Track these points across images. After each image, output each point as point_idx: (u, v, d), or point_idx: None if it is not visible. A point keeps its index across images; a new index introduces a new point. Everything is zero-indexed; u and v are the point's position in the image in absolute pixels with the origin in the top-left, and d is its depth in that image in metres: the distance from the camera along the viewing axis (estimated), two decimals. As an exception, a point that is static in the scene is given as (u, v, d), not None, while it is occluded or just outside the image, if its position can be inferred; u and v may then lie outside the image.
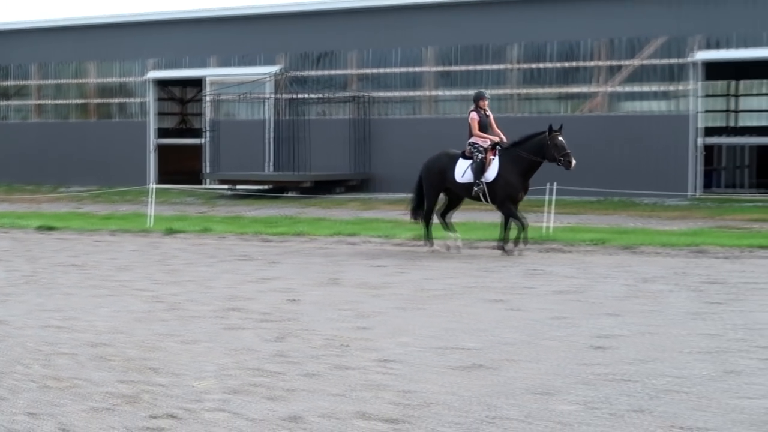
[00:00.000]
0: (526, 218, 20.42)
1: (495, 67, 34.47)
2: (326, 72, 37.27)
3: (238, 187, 36.55)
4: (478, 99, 20.97)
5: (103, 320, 12.59)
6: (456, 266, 17.69)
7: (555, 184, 25.73)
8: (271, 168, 37.47)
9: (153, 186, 31.34)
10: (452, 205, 21.46)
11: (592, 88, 33.26)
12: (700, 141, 31.93)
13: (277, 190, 35.28)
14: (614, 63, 32.86)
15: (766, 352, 10.62)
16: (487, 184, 19.84)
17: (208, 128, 38.99)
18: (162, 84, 41.32)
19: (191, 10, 39.42)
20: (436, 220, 21.28)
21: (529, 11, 33.68)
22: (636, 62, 32.49)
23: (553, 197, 24.69)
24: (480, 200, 20.55)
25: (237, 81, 38.45)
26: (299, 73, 37.38)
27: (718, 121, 41.31)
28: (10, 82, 43.27)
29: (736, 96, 43.62)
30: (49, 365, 10.10)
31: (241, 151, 37.89)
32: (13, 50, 42.92)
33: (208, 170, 38.42)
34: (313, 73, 37.38)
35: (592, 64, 33.17)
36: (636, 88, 32.96)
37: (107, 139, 40.87)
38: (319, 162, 36.07)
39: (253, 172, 37.16)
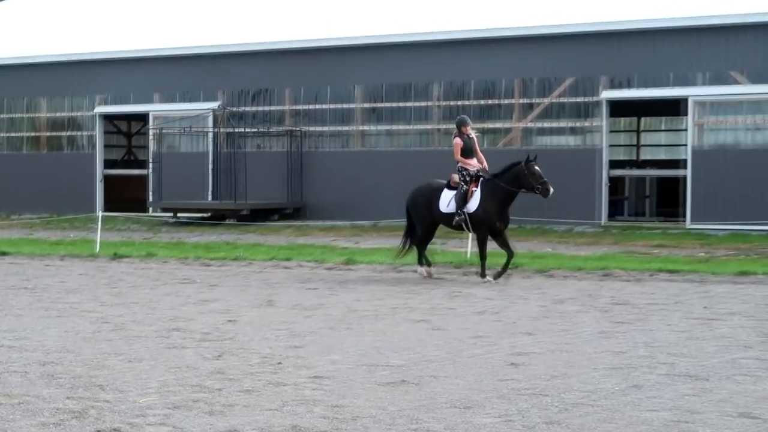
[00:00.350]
0: (513, 249, 20.05)
1: (419, 104, 34.61)
2: (262, 108, 37.22)
3: (180, 214, 36.35)
4: (460, 125, 20.40)
5: (52, 340, 12.47)
6: (383, 289, 17.70)
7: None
8: (211, 197, 37.37)
9: (100, 214, 31.18)
10: (430, 235, 20.91)
11: (508, 124, 33.47)
12: (606, 173, 32.24)
13: (217, 218, 35.28)
14: (529, 101, 33.12)
15: (667, 368, 10.73)
16: (468, 214, 19.35)
17: (152, 160, 38.78)
18: (109, 118, 41.14)
19: (136, 50, 39.19)
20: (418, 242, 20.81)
21: (451, 52, 33.85)
22: (548, 100, 32.74)
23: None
24: (462, 230, 20.30)
25: (179, 116, 38.40)
26: (237, 109, 37.30)
27: (623, 155, 41.82)
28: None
29: (639, 132, 44.15)
30: (0, 383, 9.99)
31: (183, 181, 37.77)
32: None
33: (152, 199, 38.25)
34: (250, 108, 37.33)
35: (509, 101, 33.39)
36: (548, 124, 33.22)
37: (57, 170, 40.57)
38: (256, 191, 36.01)
39: (195, 201, 37.07)
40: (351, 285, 18.34)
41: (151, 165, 38.88)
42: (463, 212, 19.36)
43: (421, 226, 20.33)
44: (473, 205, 19.30)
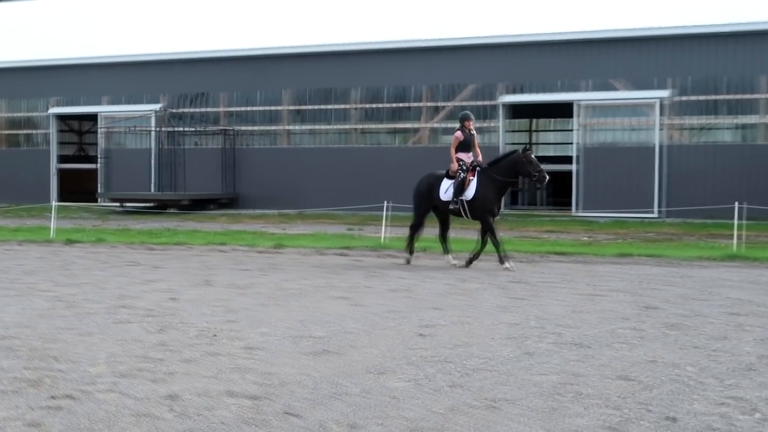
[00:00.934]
0: (487, 241, 18.68)
1: (340, 106, 34.59)
2: (200, 109, 37.00)
3: (126, 204, 36.06)
4: (463, 120, 19.13)
5: (10, 316, 12.29)
6: (308, 270, 17.66)
7: (390, 202, 25.85)
8: (155, 189, 37.07)
9: (54, 203, 30.74)
10: (444, 225, 19.43)
11: (417, 125, 33.55)
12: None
13: (160, 207, 34.95)
14: (435, 104, 33.23)
15: (555, 337, 10.82)
16: (466, 201, 18.32)
17: (101, 155, 38.50)
18: (62, 118, 40.67)
19: (87, 57, 38.80)
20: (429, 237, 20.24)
21: (368, 61, 33.88)
22: (452, 104, 32.84)
23: (385, 213, 24.79)
24: (461, 215, 19.03)
25: (126, 116, 38.11)
26: (177, 111, 37.07)
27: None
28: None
29: (532, 131, 44.46)
30: (-36, 355, 9.83)
31: (129, 175, 37.55)
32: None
33: (101, 190, 37.92)
34: (189, 110, 37.10)
35: (418, 105, 33.47)
36: (452, 125, 33.18)
37: (16, 164, 40.14)
38: (195, 184, 35.91)
39: (140, 192, 36.77)
40: (279, 266, 18.28)
41: (100, 160, 38.58)
42: (460, 200, 18.48)
43: (419, 211, 19.42)
44: (470, 193, 18.34)
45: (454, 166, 18.65)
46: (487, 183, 18.22)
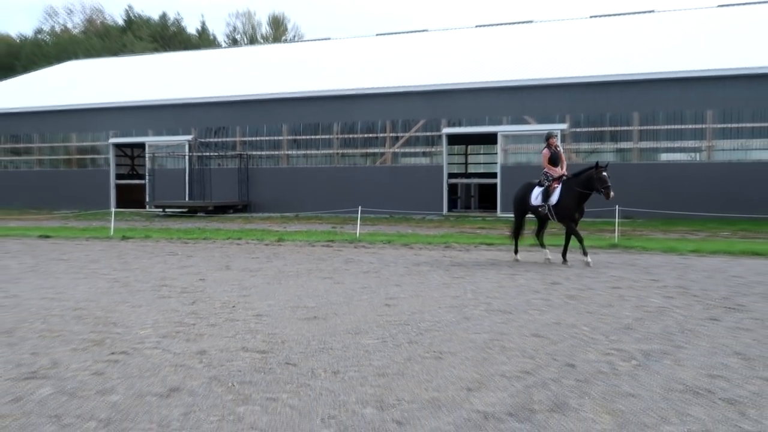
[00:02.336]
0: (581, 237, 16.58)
1: (324, 136, 34.55)
2: (221, 139, 36.84)
3: (167, 209, 35.88)
4: (548, 138, 17.36)
5: (80, 293, 12.20)
6: (302, 258, 17.60)
7: (360, 207, 25.85)
8: (188, 198, 36.91)
9: (113, 210, 30.65)
10: (540, 226, 17.48)
11: (382, 150, 33.54)
12: (446, 181, 32.52)
13: (192, 212, 34.84)
14: (395, 134, 33.24)
15: (485, 306, 10.81)
16: (552, 206, 16.54)
17: (147, 173, 38.28)
18: (118, 146, 40.40)
19: (137, 101, 38.69)
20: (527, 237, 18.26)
21: (345, 103, 33.87)
22: (408, 134, 32.89)
23: (359, 215, 24.79)
24: (548, 219, 17.12)
25: (165, 144, 37.92)
26: (204, 140, 36.94)
27: (457, 169, 42.11)
28: (21, 145, 41.84)
29: (467, 154, 44.56)
30: (45, 322, 9.76)
31: (168, 188, 37.37)
32: (21, 125, 41.56)
33: (148, 199, 37.70)
34: (213, 139, 36.96)
35: (383, 135, 33.48)
36: (409, 149, 33.34)
37: (84, 181, 39.89)
38: (218, 194, 35.81)
39: (177, 200, 36.59)
40: (281, 255, 18.22)
41: (147, 177, 38.37)
42: (546, 204, 16.76)
43: (517, 215, 17.59)
44: (554, 198, 16.53)
45: (556, 171, 16.90)
46: (568, 191, 16.38)
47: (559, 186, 16.57)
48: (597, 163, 16.22)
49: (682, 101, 28.33)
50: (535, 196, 16.96)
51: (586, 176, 16.12)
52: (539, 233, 17.36)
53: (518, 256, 17.15)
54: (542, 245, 17.23)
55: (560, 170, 16.93)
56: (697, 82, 28.15)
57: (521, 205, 17.44)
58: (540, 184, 17.09)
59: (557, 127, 30.02)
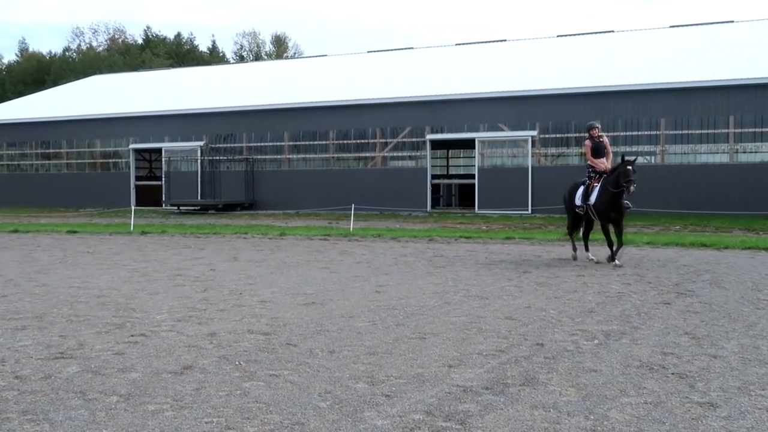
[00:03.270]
0: (616, 245, 14.42)
1: (322, 142, 34.48)
2: (230, 145, 36.73)
3: (181, 207, 35.81)
4: (588, 129, 15.27)
5: (104, 282, 12.16)
6: (302, 250, 17.58)
7: (353, 204, 25.82)
8: (200, 197, 36.81)
9: (133, 208, 30.55)
10: (587, 226, 15.50)
11: (373, 154, 33.51)
12: (430, 182, 32.54)
13: (203, 209, 34.80)
14: (385, 140, 33.22)
15: (465, 292, 10.82)
16: (591, 205, 14.57)
17: (164, 176, 38.15)
18: (138, 151, 40.26)
19: (154, 110, 38.59)
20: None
21: (340, 112, 33.82)
22: (396, 140, 32.88)
23: (352, 212, 24.77)
24: (592, 218, 15.09)
25: (180, 149, 37.83)
26: (215, 145, 36.85)
27: (439, 171, 42.13)
28: (50, 150, 41.69)
29: (448, 158, 44.59)
30: (72, 308, 9.72)
31: (183, 188, 37.27)
32: (51, 132, 41.42)
33: (164, 198, 37.56)
34: (223, 145, 36.85)
35: (373, 141, 33.46)
36: (397, 153, 33.34)
37: (107, 182, 39.77)
38: (227, 193, 35.75)
39: (190, 199, 36.49)
40: (283, 248, 18.20)
41: (163, 178, 38.26)
42: (584, 204, 14.81)
43: (569, 216, 15.78)
44: (593, 198, 14.61)
45: (600, 164, 14.80)
46: (604, 191, 14.36)
47: (598, 185, 14.60)
48: (623, 157, 14.23)
49: (639, 110, 28.41)
50: (578, 196, 15.09)
51: (617, 174, 14.16)
52: (586, 233, 15.48)
53: (576, 253, 15.20)
54: (586, 247, 15.33)
55: (605, 164, 14.86)
56: (652, 94, 28.22)
57: (570, 205, 15.51)
58: (583, 183, 15.17)
59: (528, 134, 30.06)
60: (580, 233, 15.53)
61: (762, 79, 26.52)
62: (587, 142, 15.11)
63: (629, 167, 13.84)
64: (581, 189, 15.05)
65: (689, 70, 28.89)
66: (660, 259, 14.98)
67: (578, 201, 15.01)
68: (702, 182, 27.35)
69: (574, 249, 15.34)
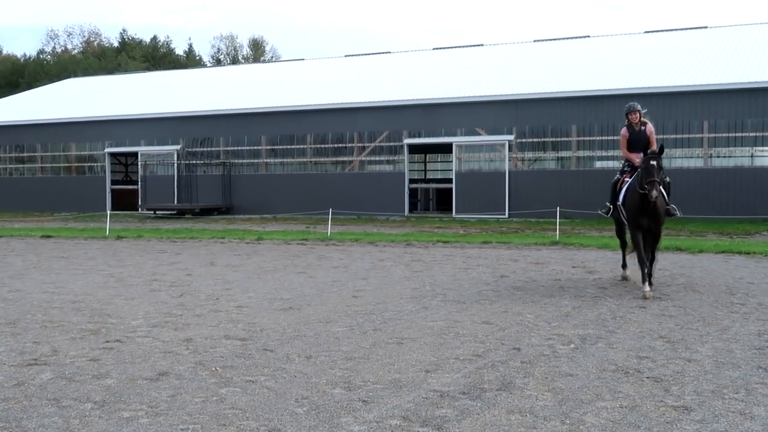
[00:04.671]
0: (648, 262, 11.11)
1: (299, 146, 34.36)
2: (207, 149, 36.49)
3: (157, 212, 35.54)
4: (627, 113, 11.74)
5: (78, 287, 12.06)
6: (279, 255, 17.53)
7: (331, 209, 25.78)
8: (176, 201, 36.56)
9: (108, 212, 30.30)
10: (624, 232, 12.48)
11: (351, 158, 33.44)
12: (407, 186, 32.57)
13: (180, 214, 34.56)
14: (362, 144, 33.20)
15: (442, 296, 10.81)
16: (620, 205, 11.63)
17: (140, 179, 37.87)
18: (113, 155, 39.88)
19: (130, 114, 38.25)
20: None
21: (318, 116, 33.73)
22: (374, 144, 32.86)
23: (330, 216, 24.73)
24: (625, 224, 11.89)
25: (156, 153, 37.56)
26: (192, 149, 36.63)
27: (417, 175, 42.17)
28: (25, 154, 41.26)
29: (426, 162, 44.68)
30: (46, 314, 9.63)
31: (159, 192, 37.00)
32: (25, 136, 40.95)
33: (140, 203, 37.25)
34: (199, 149, 36.62)
35: (351, 145, 33.42)
36: (374, 158, 33.31)
37: (83, 186, 39.35)
38: (203, 198, 35.54)
39: (166, 203, 36.23)
40: (260, 252, 18.13)
41: (139, 182, 37.97)
42: (611, 204, 12.19)
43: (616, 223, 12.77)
44: (621, 196, 11.62)
45: (636, 159, 11.37)
46: (633, 189, 11.11)
47: (630, 180, 11.46)
48: (645, 149, 11.10)
49: (614, 115, 28.58)
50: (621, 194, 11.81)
51: (641, 169, 10.89)
52: (625, 243, 12.51)
53: (627, 272, 12.41)
54: (623, 262, 12.58)
55: (633, 157, 11.61)
56: (628, 99, 28.30)
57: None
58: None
59: (505, 138, 30.16)
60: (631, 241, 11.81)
61: (735, 85, 26.85)
62: (623, 130, 11.84)
63: (652, 162, 10.55)
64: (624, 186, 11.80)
65: (664, 76, 29.16)
66: (635, 263, 15.10)
67: (613, 200, 12.14)
68: (677, 186, 27.44)
69: (624, 265, 12.53)
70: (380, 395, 5.96)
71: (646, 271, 10.96)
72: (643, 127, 11.70)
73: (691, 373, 6.57)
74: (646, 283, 10.81)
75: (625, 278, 12.37)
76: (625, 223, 11.72)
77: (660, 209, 10.99)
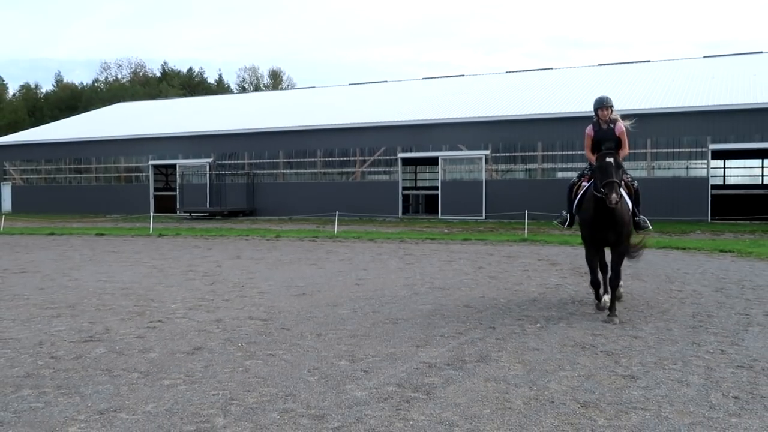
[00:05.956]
0: (609, 285, 8.21)
1: (311, 159, 34.30)
2: (234, 161, 36.41)
3: (193, 214, 35.44)
4: (596, 109, 8.39)
5: (127, 277, 12.03)
6: (295, 250, 17.49)
7: (337, 211, 25.72)
8: (209, 205, 36.47)
9: (152, 214, 30.17)
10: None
11: (354, 169, 33.39)
12: (401, 193, 32.49)
13: (211, 215, 34.46)
14: (363, 158, 33.15)
15: (429, 284, 10.80)
16: (576, 215, 8.51)
17: (178, 187, 37.75)
18: (156, 167, 39.73)
19: (169, 132, 38.16)
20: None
21: (326, 134, 33.70)
22: (372, 158, 32.80)
23: (336, 218, 24.68)
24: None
25: (192, 165, 37.44)
26: (221, 162, 36.54)
27: (409, 184, 42.12)
28: (82, 166, 41.11)
29: (416, 173, 44.61)
30: (99, 299, 9.60)
31: (194, 197, 36.88)
32: (82, 150, 40.78)
33: (178, 206, 37.16)
34: (228, 161, 36.52)
35: (354, 158, 33.38)
36: (373, 169, 33.23)
37: (130, 193, 39.18)
38: (231, 202, 35.44)
39: (200, 207, 36.13)
40: (278, 248, 18.11)
41: (177, 189, 37.86)
42: (562, 214, 8.81)
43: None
44: (576, 203, 8.47)
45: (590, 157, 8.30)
46: (590, 194, 7.93)
47: (588, 184, 8.16)
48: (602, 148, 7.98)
49: (573, 133, 28.62)
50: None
51: (594, 172, 7.80)
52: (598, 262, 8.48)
53: (602, 302, 8.40)
54: (596, 286, 8.41)
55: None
56: (585, 120, 28.44)
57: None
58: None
59: (482, 153, 30.15)
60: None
61: (675, 108, 26.91)
62: (588, 129, 8.50)
63: (608, 159, 7.54)
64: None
65: (615, 101, 29.09)
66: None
67: (571, 208, 8.67)
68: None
69: (597, 296, 8.45)
70: (378, 366, 5.95)
71: (606, 298, 8.19)
72: (612, 125, 8.30)
73: (637, 348, 6.57)
74: (609, 310, 7.86)
75: (602, 308, 8.28)
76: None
77: (622, 217, 7.75)
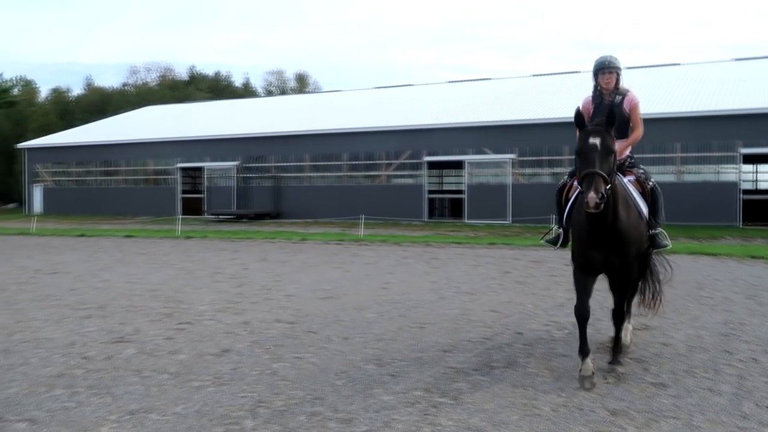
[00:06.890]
0: (616, 324, 6.05)
1: (337, 163, 34.47)
2: (260, 164, 36.73)
3: (219, 216, 35.78)
4: (596, 73, 6.10)
5: (155, 279, 12.17)
6: (320, 253, 17.55)
7: (363, 214, 25.77)
8: (235, 207, 36.80)
9: (180, 216, 30.51)
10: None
11: (379, 172, 33.47)
12: (426, 196, 32.48)
13: (238, 218, 34.75)
14: (389, 162, 33.21)
15: (456, 289, 10.78)
16: (565, 227, 6.15)
17: (205, 190, 38.16)
18: (184, 170, 40.22)
19: (197, 135, 38.66)
20: None
21: (351, 138, 33.83)
22: (398, 161, 32.85)
23: (362, 221, 24.73)
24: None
25: (219, 168, 37.83)
26: (248, 165, 36.86)
27: (435, 187, 42.06)
28: (111, 168, 41.75)
29: (442, 176, 44.59)
30: (129, 300, 9.73)
31: (221, 200, 37.26)
32: (112, 153, 41.45)
33: (205, 209, 37.55)
34: (254, 165, 36.85)
35: (380, 162, 33.45)
36: (399, 173, 33.30)
37: (158, 195, 39.73)
38: (257, 204, 35.76)
39: (226, 209, 36.48)
40: (304, 250, 18.18)
41: (204, 192, 38.25)
42: (556, 228, 6.52)
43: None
44: (567, 210, 6.01)
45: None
46: (579, 201, 5.51)
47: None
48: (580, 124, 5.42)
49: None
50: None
51: (574, 157, 5.54)
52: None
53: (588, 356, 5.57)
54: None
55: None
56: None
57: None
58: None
59: (508, 157, 30.01)
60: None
61: (705, 112, 26.55)
62: (585, 102, 6.34)
63: (592, 141, 5.14)
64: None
65: (643, 104, 28.81)
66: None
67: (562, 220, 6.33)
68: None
69: (583, 348, 5.57)
70: (406, 371, 5.95)
71: (591, 364, 5.44)
72: (619, 98, 6.16)
73: (667, 355, 6.49)
74: (615, 360, 5.89)
75: (585, 376, 5.48)
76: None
77: (628, 231, 5.43)
